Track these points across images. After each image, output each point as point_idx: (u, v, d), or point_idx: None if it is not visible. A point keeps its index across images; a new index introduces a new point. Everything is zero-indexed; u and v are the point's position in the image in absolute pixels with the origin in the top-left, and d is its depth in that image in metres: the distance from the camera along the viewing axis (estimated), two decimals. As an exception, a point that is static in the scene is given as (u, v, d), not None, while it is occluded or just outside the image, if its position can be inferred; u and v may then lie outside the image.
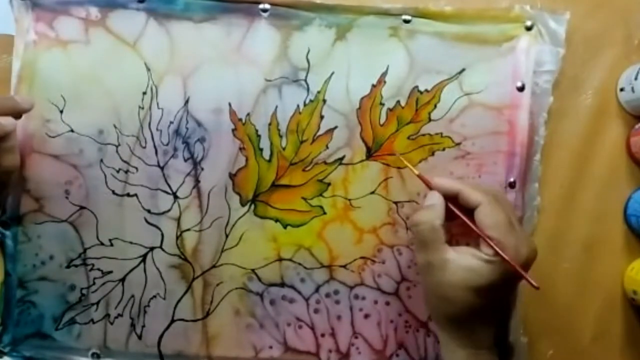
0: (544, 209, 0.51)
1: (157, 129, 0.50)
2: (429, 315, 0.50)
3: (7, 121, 0.44)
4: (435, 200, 0.44)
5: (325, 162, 0.50)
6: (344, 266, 0.50)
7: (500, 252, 0.40)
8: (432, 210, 0.43)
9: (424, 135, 0.50)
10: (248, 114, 0.50)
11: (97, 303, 0.50)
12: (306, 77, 0.50)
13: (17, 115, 0.46)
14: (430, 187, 0.45)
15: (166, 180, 0.50)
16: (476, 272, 0.41)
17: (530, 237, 0.44)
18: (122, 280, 0.50)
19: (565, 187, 0.52)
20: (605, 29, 0.52)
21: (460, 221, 0.43)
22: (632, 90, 0.50)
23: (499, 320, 0.44)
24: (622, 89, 0.51)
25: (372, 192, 0.50)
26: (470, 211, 0.43)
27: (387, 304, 0.51)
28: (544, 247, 0.51)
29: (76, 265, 0.50)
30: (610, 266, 0.52)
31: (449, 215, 0.44)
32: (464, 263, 0.41)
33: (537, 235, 0.51)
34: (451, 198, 0.44)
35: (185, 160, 0.50)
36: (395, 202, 0.50)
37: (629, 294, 0.51)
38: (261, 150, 0.50)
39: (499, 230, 0.41)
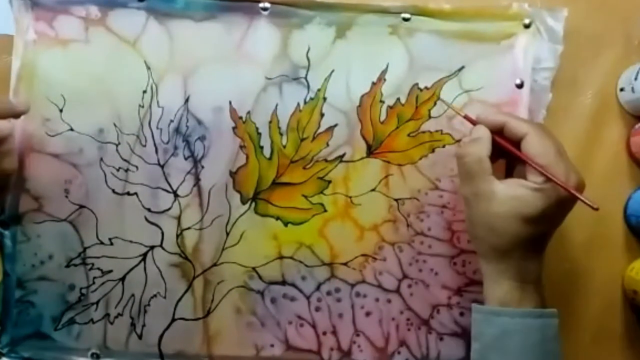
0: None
1: (157, 128, 0.50)
2: (431, 314, 0.50)
3: (3, 125, 0.44)
4: (482, 133, 0.43)
5: (325, 160, 0.50)
6: (345, 264, 0.50)
7: (551, 176, 0.40)
8: (479, 142, 0.43)
9: (424, 132, 0.50)
10: (248, 112, 0.50)
11: (97, 303, 0.50)
12: (306, 75, 0.50)
13: (14, 117, 0.46)
14: (474, 123, 0.45)
15: (166, 179, 0.50)
16: (525, 201, 0.40)
17: (577, 169, 0.43)
18: (122, 279, 0.50)
19: (565, 187, 0.52)
20: (605, 29, 0.52)
21: (507, 154, 0.43)
22: (632, 90, 0.50)
23: (542, 258, 0.43)
24: (622, 89, 0.51)
25: (373, 190, 0.50)
26: (517, 145, 0.42)
27: (389, 301, 0.50)
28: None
29: (76, 265, 0.50)
30: (610, 266, 0.52)
31: (500, 151, 0.43)
32: (512, 193, 0.41)
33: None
34: (497, 133, 0.43)
35: (186, 159, 0.50)
36: (396, 199, 0.50)
37: (629, 294, 0.51)
38: (262, 148, 0.50)
39: (548, 157, 0.41)
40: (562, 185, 0.40)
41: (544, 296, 0.43)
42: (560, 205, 0.41)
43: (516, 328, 0.41)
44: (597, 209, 0.40)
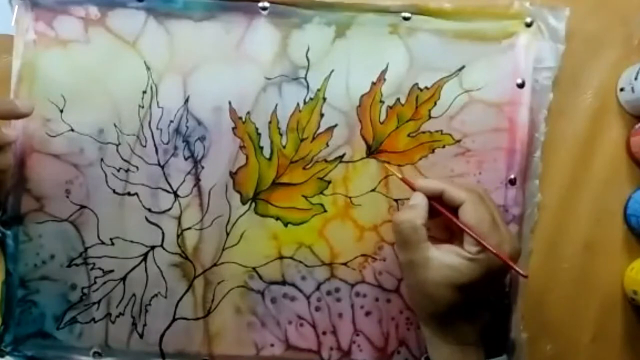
0: (545, 206, 0.51)
1: (157, 128, 0.50)
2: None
3: (10, 132, 0.46)
4: (418, 201, 0.44)
5: (325, 160, 0.50)
6: (345, 264, 0.50)
7: (484, 243, 0.41)
8: (414, 209, 0.44)
9: (424, 132, 0.50)
10: (248, 113, 0.50)
11: (99, 302, 0.50)
12: (306, 75, 0.50)
13: (17, 119, 0.47)
14: (413, 188, 0.45)
15: (167, 179, 0.50)
16: (459, 270, 0.41)
17: (514, 237, 0.45)
18: (123, 279, 0.50)
19: (565, 187, 0.51)
20: (605, 29, 0.51)
21: (443, 220, 0.44)
22: (632, 90, 0.49)
23: (483, 317, 0.44)
24: (622, 89, 0.51)
25: (373, 190, 0.50)
26: (454, 211, 0.43)
27: (388, 301, 0.51)
28: (544, 245, 0.51)
29: (77, 265, 0.50)
30: (610, 266, 0.52)
31: (433, 215, 0.44)
32: (447, 261, 0.42)
33: (537, 233, 0.51)
34: (436, 198, 0.44)
35: (186, 159, 0.50)
36: (396, 200, 0.50)
37: (629, 294, 0.51)
38: (261, 148, 0.50)
39: (482, 227, 0.42)
40: (496, 254, 0.41)
41: (483, 355, 0.44)
42: (493, 274, 0.42)
43: None
44: (526, 277, 0.42)
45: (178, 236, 0.50)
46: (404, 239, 0.43)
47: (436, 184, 0.44)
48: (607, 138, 0.52)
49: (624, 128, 0.52)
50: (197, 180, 0.50)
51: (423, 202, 0.44)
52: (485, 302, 0.44)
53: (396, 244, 0.45)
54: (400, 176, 0.47)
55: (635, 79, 0.49)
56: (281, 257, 0.50)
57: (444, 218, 0.44)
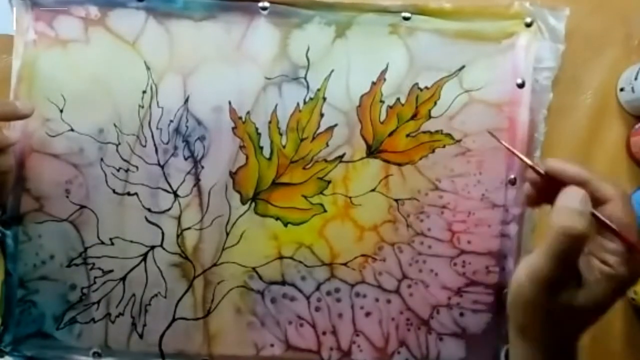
0: (545, 206, 0.51)
1: (157, 128, 0.50)
2: (430, 314, 0.50)
3: (11, 134, 0.46)
4: (583, 203, 0.34)
5: (325, 160, 0.50)
6: (345, 264, 0.50)
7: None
8: (585, 217, 0.34)
9: (424, 132, 0.50)
10: (248, 112, 0.50)
11: (98, 302, 0.50)
12: (306, 75, 0.50)
13: (18, 120, 0.47)
14: (541, 175, 0.37)
15: (166, 179, 0.50)
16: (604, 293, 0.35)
17: None
18: (123, 279, 0.50)
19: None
20: (605, 29, 0.51)
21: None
22: (632, 90, 0.49)
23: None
24: (622, 89, 0.51)
25: (373, 190, 0.50)
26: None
27: (388, 301, 0.50)
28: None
29: (77, 265, 0.50)
30: (611, 266, 0.52)
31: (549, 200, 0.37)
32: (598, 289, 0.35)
33: (537, 233, 0.51)
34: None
35: (186, 159, 0.50)
36: (396, 200, 0.50)
37: (629, 294, 0.51)
38: (261, 148, 0.50)
39: (632, 231, 0.34)
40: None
41: None
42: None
43: None
44: None
45: (178, 236, 0.50)
46: (571, 250, 0.34)
47: (582, 173, 0.36)
48: (607, 138, 0.52)
49: (624, 128, 0.52)
50: (197, 180, 0.50)
51: (588, 204, 0.35)
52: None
53: (554, 254, 0.34)
54: (530, 163, 0.38)
55: (635, 79, 0.49)
56: (281, 257, 0.50)
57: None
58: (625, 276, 0.34)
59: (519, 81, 0.50)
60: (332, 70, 0.50)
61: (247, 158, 0.50)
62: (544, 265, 0.35)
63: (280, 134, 0.50)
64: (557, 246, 0.34)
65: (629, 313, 0.52)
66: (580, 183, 0.36)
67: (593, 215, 0.35)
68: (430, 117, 0.50)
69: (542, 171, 0.37)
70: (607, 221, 0.35)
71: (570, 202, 0.35)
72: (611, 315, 0.52)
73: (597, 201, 0.35)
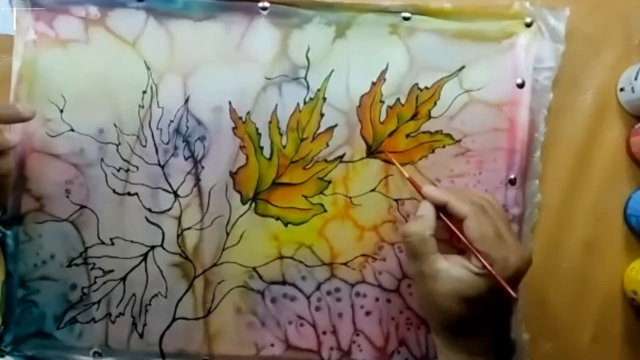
0: (544, 206, 0.51)
1: (157, 128, 0.50)
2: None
3: (12, 137, 0.45)
4: (426, 211, 0.44)
5: (325, 160, 0.50)
6: (345, 264, 0.50)
7: (486, 264, 0.41)
8: (423, 221, 0.44)
9: (424, 132, 0.50)
10: (248, 113, 0.50)
11: (99, 302, 0.50)
12: (306, 75, 0.50)
13: (19, 122, 0.47)
14: (420, 193, 0.46)
15: (167, 179, 0.50)
16: (466, 284, 0.41)
17: (523, 247, 0.44)
18: (123, 279, 0.50)
19: (565, 187, 0.51)
20: (605, 29, 0.51)
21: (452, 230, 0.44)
22: (632, 90, 0.49)
23: (494, 329, 0.44)
24: (622, 89, 0.51)
25: (373, 190, 0.50)
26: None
27: (388, 301, 0.51)
28: (544, 245, 0.51)
29: (77, 265, 0.50)
30: (610, 266, 0.52)
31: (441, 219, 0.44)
32: (455, 274, 0.41)
33: (537, 233, 0.51)
34: (442, 208, 0.44)
35: (186, 159, 0.50)
36: (396, 200, 0.50)
37: (629, 294, 0.51)
38: (261, 148, 0.50)
39: (485, 243, 0.41)
40: (491, 273, 0.40)
41: None
42: (497, 292, 0.41)
43: None
44: (516, 300, 0.41)
45: (178, 236, 0.50)
46: (413, 250, 0.43)
47: (440, 196, 0.44)
48: (607, 138, 0.52)
49: (624, 128, 0.52)
50: (197, 180, 0.50)
51: (431, 212, 0.44)
52: (494, 315, 0.43)
53: (406, 255, 0.45)
54: (407, 175, 0.48)
55: (635, 79, 0.49)
56: (281, 257, 0.50)
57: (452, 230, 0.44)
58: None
59: (519, 81, 0.50)
60: (332, 71, 0.50)
61: (247, 158, 0.50)
62: (408, 266, 0.46)
63: (281, 134, 0.50)
64: (405, 247, 0.45)
65: (629, 313, 0.52)
66: (443, 204, 0.44)
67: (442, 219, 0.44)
68: (430, 117, 0.50)
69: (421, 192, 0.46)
70: (446, 220, 0.44)
71: (417, 211, 0.45)
72: (611, 315, 0.52)
73: (458, 218, 0.43)
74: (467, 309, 0.41)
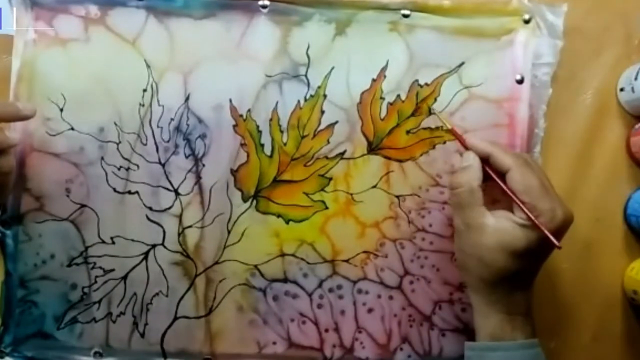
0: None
1: (157, 126, 0.50)
2: (432, 310, 0.50)
3: (13, 135, 0.46)
4: (472, 161, 0.44)
5: (326, 157, 0.50)
6: (347, 261, 0.50)
7: (531, 216, 0.40)
8: (469, 171, 0.43)
9: (424, 128, 0.50)
10: (249, 110, 0.50)
11: (99, 302, 0.50)
12: (306, 72, 0.50)
13: (19, 121, 0.47)
14: (465, 145, 0.45)
15: (167, 177, 0.50)
16: (512, 236, 0.41)
17: (565, 202, 0.43)
18: (124, 278, 0.50)
19: (564, 187, 0.51)
20: (605, 29, 0.52)
21: (496, 183, 0.43)
22: (632, 90, 0.50)
23: (531, 292, 0.43)
24: (622, 89, 0.51)
25: (374, 186, 0.50)
26: (502, 175, 0.43)
27: (391, 298, 0.50)
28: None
29: (77, 264, 0.50)
30: (610, 266, 0.52)
31: (486, 175, 0.44)
32: (501, 226, 0.41)
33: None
34: (485, 159, 0.44)
35: (187, 157, 0.50)
36: (397, 196, 0.50)
37: (629, 294, 0.51)
38: (262, 145, 0.50)
39: (532, 194, 0.41)
40: (535, 223, 0.40)
41: (534, 326, 0.43)
42: (542, 244, 0.41)
43: None
44: (559, 247, 0.41)
45: (179, 234, 0.50)
46: (461, 202, 0.43)
47: (484, 146, 0.44)
48: (607, 138, 0.52)
49: (624, 128, 0.52)
50: (198, 178, 0.50)
51: (477, 163, 0.43)
52: (538, 269, 0.44)
53: (452, 207, 0.45)
54: (450, 126, 0.47)
55: (635, 79, 0.49)
56: (283, 255, 0.50)
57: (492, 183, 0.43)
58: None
59: (518, 77, 0.50)
60: (333, 68, 0.50)
61: (248, 156, 0.50)
62: (453, 217, 0.44)
63: (281, 132, 0.50)
64: (451, 198, 0.44)
65: (629, 313, 0.52)
66: (487, 155, 0.43)
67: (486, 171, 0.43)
68: (430, 113, 0.50)
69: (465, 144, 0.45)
70: (491, 172, 0.43)
71: (461, 162, 0.45)
72: (611, 315, 0.52)
73: (501, 170, 0.43)
74: (512, 262, 0.41)
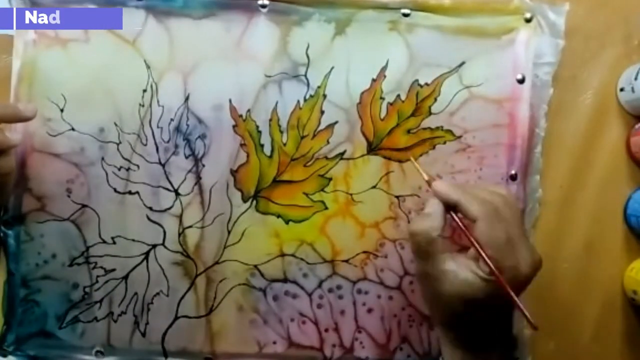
0: (545, 202, 0.51)
1: (157, 127, 0.50)
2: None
3: (14, 136, 0.45)
4: (434, 209, 0.42)
5: (326, 157, 0.50)
6: (347, 261, 0.50)
7: (495, 271, 0.39)
8: (430, 220, 0.42)
9: (424, 129, 0.50)
10: (248, 110, 0.50)
11: (101, 301, 0.50)
12: (306, 72, 0.50)
13: (20, 122, 0.47)
14: (429, 185, 0.44)
15: (168, 178, 0.50)
16: (473, 288, 0.39)
17: (533, 250, 0.41)
18: (125, 278, 0.50)
19: (565, 187, 0.51)
20: (606, 28, 0.51)
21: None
22: (632, 90, 0.49)
23: (496, 327, 0.43)
24: (622, 89, 0.51)
25: (374, 187, 0.50)
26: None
27: (390, 298, 0.51)
28: (545, 242, 0.51)
29: (79, 264, 0.50)
30: (610, 266, 0.52)
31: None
32: (462, 276, 0.40)
33: (538, 230, 0.51)
34: (452, 207, 0.42)
35: (187, 157, 0.50)
36: (397, 196, 0.50)
37: (629, 294, 0.51)
38: (262, 146, 0.50)
39: (496, 248, 0.39)
40: (502, 285, 0.38)
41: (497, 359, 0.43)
42: (503, 297, 0.39)
43: None
44: (535, 328, 0.39)
45: (179, 234, 0.50)
46: (419, 250, 0.42)
47: (450, 193, 0.42)
48: (607, 138, 0.52)
49: (624, 128, 0.52)
50: (198, 178, 0.50)
51: (439, 211, 0.42)
52: (498, 316, 0.42)
53: (412, 253, 0.43)
54: (426, 177, 0.45)
55: (635, 79, 0.49)
56: (283, 255, 0.50)
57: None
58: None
59: (519, 77, 0.50)
60: (332, 68, 0.50)
61: (248, 156, 0.50)
62: (415, 265, 0.44)
63: (281, 132, 0.50)
64: (411, 246, 0.43)
65: (629, 313, 0.52)
66: (452, 204, 0.42)
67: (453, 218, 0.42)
68: (430, 113, 0.50)
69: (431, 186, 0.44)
70: (457, 220, 0.42)
71: (425, 209, 0.43)
72: (611, 315, 0.52)
73: (469, 219, 0.41)
74: (471, 311, 0.40)
